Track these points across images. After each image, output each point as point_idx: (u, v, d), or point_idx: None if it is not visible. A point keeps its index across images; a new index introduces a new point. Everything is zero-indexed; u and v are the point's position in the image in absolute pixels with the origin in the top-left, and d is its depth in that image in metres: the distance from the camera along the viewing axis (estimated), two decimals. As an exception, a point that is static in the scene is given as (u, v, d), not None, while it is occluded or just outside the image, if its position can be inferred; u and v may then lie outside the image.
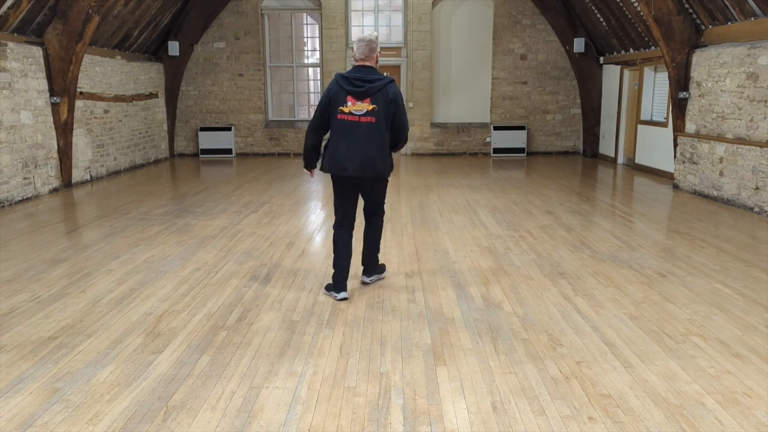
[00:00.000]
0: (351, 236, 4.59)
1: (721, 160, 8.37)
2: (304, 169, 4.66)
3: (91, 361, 3.49)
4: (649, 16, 9.04)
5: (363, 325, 4.03)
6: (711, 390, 3.14)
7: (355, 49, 4.32)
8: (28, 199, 8.74)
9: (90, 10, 9.10)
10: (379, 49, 4.38)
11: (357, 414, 2.92)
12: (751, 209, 7.68)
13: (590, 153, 13.93)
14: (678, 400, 3.04)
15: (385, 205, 4.78)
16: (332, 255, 4.61)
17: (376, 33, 4.39)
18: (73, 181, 9.98)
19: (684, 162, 9.30)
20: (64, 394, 3.11)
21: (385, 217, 7.47)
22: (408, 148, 14.47)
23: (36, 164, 8.98)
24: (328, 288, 4.62)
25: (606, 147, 13.41)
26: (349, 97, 4.23)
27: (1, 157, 8.17)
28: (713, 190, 8.54)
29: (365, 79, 4.23)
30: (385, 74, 4.33)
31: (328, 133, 4.41)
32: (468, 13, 14.05)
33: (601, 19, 12.23)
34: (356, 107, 4.23)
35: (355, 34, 14.28)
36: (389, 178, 4.64)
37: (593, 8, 12.19)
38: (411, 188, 9.59)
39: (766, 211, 7.42)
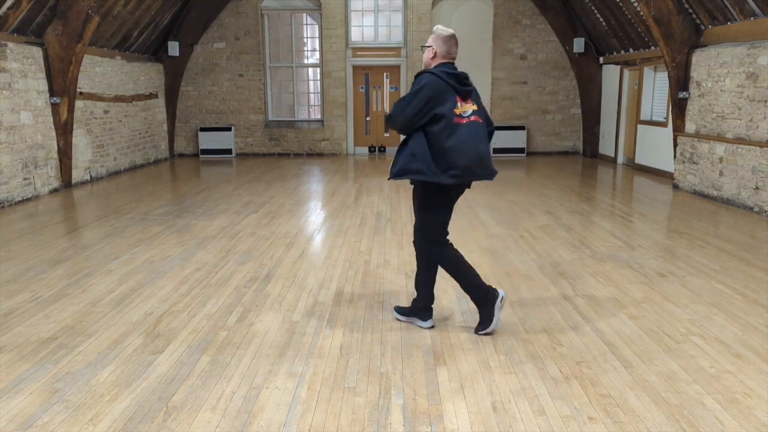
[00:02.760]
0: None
1: (720, 160, 8.37)
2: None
3: (91, 362, 3.49)
4: (649, 16, 9.04)
5: (363, 325, 4.03)
6: (711, 390, 3.14)
7: (442, 45, 3.76)
8: (28, 199, 8.74)
9: (90, 11, 9.10)
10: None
11: (357, 414, 2.92)
12: (751, 209, 7.68)
13: (590, 153, 13.93)
14: (678, 400, 3.04)
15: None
16: (425, 280, 3.97)
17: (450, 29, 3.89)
18: (73, 181, 9.98)
19: (684, 162, 9.30)
20: (64, 395, 3.11)
21: (385, 218, 7.48)
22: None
23: (36, 165, 8.98)
24: (481, 328, 3.88)
25: (606, 147, 13.41)
26: (457, 97, 3.69)
27: (1, 158, 8.17)
28: (713, 190, 8.54)
29: (467, 77, 3.78)
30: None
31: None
32: (468, 13, 14.06)
33: (601, 19, 12.23)
34: (463, 108, 3.69)
35: (355, 34, 14.29)
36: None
37: (593, 8, 12.19)
38: (411, 188, 9.58)
39: (766, 211, 7.42)
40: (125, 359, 3.52)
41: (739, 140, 8.05)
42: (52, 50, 9.12)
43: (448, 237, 3.92)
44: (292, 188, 9.81)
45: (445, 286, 4.84)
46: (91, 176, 10.64)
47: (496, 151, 14.19)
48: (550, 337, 3.83)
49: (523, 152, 14.19)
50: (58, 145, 9.46)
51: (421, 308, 4.00)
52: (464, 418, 2.87)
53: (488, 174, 3.82)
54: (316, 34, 14.54)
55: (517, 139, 14.15)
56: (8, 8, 8.05)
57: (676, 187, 9.48)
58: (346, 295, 4.63)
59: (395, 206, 8.18)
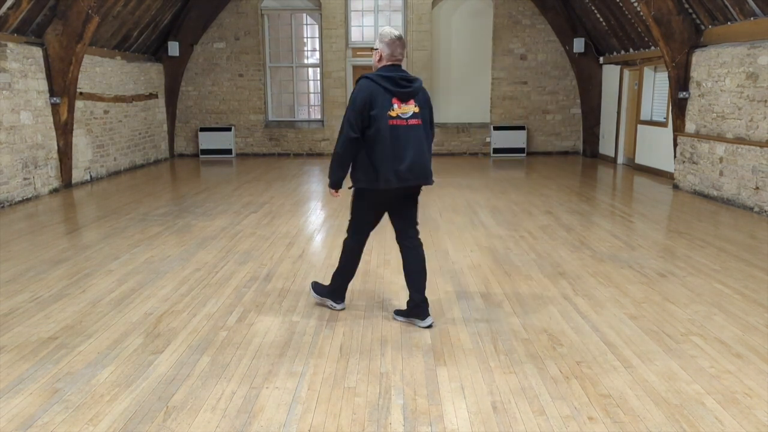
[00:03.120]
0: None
1: (721, 159, 8.37)
2: (330, 189, 4.02)
3: (91, 362, 3.49)
4: (649, 16, 9.04)
5: (363, 325, 4.03)
6: (711, 390, 3.14)
7: (386, 47, 3.81)
8: (28, 199, 8.74)
9: (90, 11, 9.10)
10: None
11: (357, 414, 2.92)
12: (751, 209, 7.68)
13: (590, 153, 13.93)
14: (678, 400, 3.04)
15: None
16: (342, 261, 4.22)
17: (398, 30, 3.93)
18: (73, 181, 9.98)
19: (684, 162, 9.30)
20: (64, 395, 3.11)
21: (385, 219, 7.46)
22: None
23: (36, 165, 8.98)
24: (324, 293, 4.34)
25: (606, 147, 13.41)
26: (394, 99, 3.75)
27: (1, 158, 8.17)
28: (713, 190, 8.54)
29: (407, 78, 3.81)
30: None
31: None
32: (468, 13, 14.06)
33: (601, 19, 12.23)
34: (401, 110, 3.76)
35: (355, 34, 14.29)
36: None
37: (593, 8, 12.19)
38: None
39: (766, 211, 7.42)
40: (125, 359, 3.52)
41: (739, 140, 8.05)
42: (52, 50, 9.12)
43: (366, 236, 4.17)
44: (292, 188, 9.81)
45: (445, 285, 4.84)
46: (91, 176, 10.64)
47: (497, 151, 14.21)
48: (550, 337, 3.83)
49: (523, 152, 14.19)
50: (58, 145, 9.46)
51: (334, 289, 4.27)
52: (464, 418, 2.87)
53: (402, 180, 3.81)
54: (316, 34, 14.54)
55: (517, 139, 14.15)
56: (8, 8, 8.05)
57: (676, 187, 9.48)
58: (346, 295, 4.63)
59: (395, 206, 8.18)
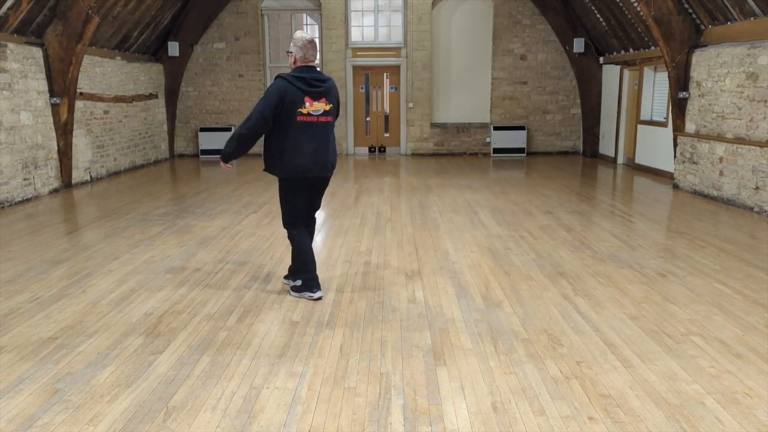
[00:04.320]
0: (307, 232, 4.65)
1: (721, 160, 8.37)
2: (223, 163, 4.41)
3: (92, 362, 3.49)
4: (649, 16, 9.04)
5: (363, 326, 4.03)
6: (711, 390, 3.14)
7: (299, 51, 4.24)
8: (28, 199, 8.74)
9: (90, 11, 9.10)
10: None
11: (357, 414, 2.92)
12: (751, 209, 7.68)
13: (590, 153, 13.93)
14: (678, 400, 3.04)
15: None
16: (294, 254, 4.56)
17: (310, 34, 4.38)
18: (73, 181, 9.98)
19: (684, 162, 9.30)
20: (65, 395, 3.11)
21: (385, 218, 7.47)
22: (408, 148, 14.49)
23: (36, 165, 8.98)
24: (299, 289, 4.55)
25: (606, 147, 13.42)
26: (306, 98, 4.19)
27: (1, 158, 8.17)
28: (713, 190, 8.54)
29: (320, 79, 4.25)
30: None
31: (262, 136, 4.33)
32: (468, 13, 14.06)
33: (601, 19, 12.23)
34: (314, 108, 4.22)
35: (355, 34, 14.30)
36: None
37: (593, 8, 12.19)
38: (411, 188, 9.59)
39: (766, 211, 7.42)
40: (125, 359, 3.52)
41: (739, 140, 8.05)
42: (52, 50, 9.12)
43: (301, 222, 4.49)
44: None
45: (445, 285, 4.84)
46: (91, 176, 10.64)
47: (497, 151, 14.21)
48: (550, 337, 3.83)
49: (523, 152, 14.19)
50: (58, 145, 9.46)
51: (306, 281, 4.50)
52: (464, 418, 2.87)
53: (306, 171, 4.27)
54: (316, 35, 14.54)
55: (517, 139, 14.16)
56: (8, 8, 8.05)
57: (676, 187, 9.48)
58: (346, 295, 4.63)
59: (395, 206, 8.18)
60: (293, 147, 4.22)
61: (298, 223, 4.49)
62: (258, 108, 4.17)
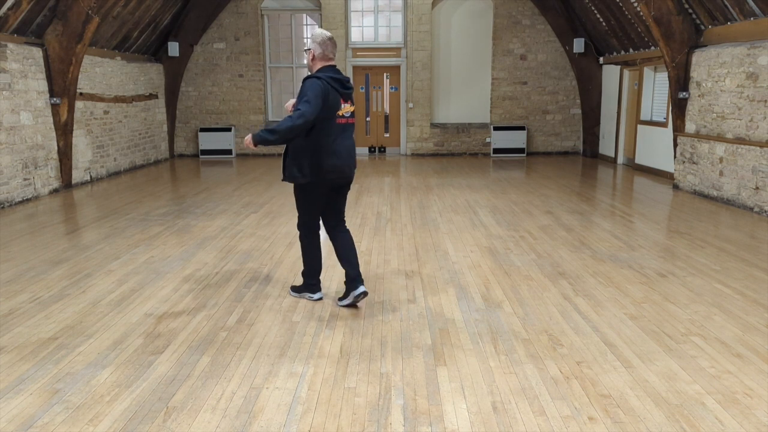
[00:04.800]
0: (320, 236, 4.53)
1: (721, 160, 8.37)
2: (253, 142, 4.01)
3: (92, 362, 3.49)
4: (649, 16, 9.04)
5: (363, 326, 4.03)
6: (711, 390, 3.14)
7: (318, 47, 4.06)
8: (28, 200, 8.74)
9: (90, 11, 9.10)
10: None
11: (357, 414, 2.92)
12: (751, 209, 7.68)
13: (590, 153, 13.93)
14: (678, 400, 3.04)
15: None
16: (306, 259, 4.48)
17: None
18: (73, 182, 9.98)
19: (684, 162, 9.30)
20: (65, 395, 3.11)
21: (385, 218, 7.48)
22: (408, 148, 14.49)
23: (36, 165, 8.98)
24: (300, 289, 4.57)
25: (606, 147, 13.42)
26: (341, 100, 4.09)
27: (1, 158, 8.17)
28: (713, 190, 8.54)
29: (348, 80, 4.17)
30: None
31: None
32: (468, 13, 14.06)
33: (601, 20, 12.23)
34: (345, 110, 4.13)
35: (355, 34, 14.30)
36: None
37: (593, 8, 12.19)
38: (411, 188, 9.59)
39: (766, 211, 7.42)
40: (125, 360, 3.52)
41: (739, 140, 8.05)
42: (52, 51, 9.12)
43: (317, 226, 4.40)
44: (292, 189, 9.79)
45: (445, 285, 4.84)
46: (91, 177, 10.64)
47: (497, 151, 14.21)
48: (550, 337, 3.83)
49: (523, 152, 14.19)
50: (58, 145, 9.46)
51: (307, 282, 4.49)
52: (464, 419, 2.87)
53: (342, 175, 4.20)
54: (316, 35, 14.52)
55: (517, 139, 14.16)
56: (8, 9, 8.05)
57: (676, 187, 9.48)
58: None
59: (395, 207, 8.18)
60: (332, 150, 4.06)
61: (315, 228, 4.41)
62: (309, 109, 3.89)
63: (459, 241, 6.28)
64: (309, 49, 4.13)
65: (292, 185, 4.37)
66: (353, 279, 4.29)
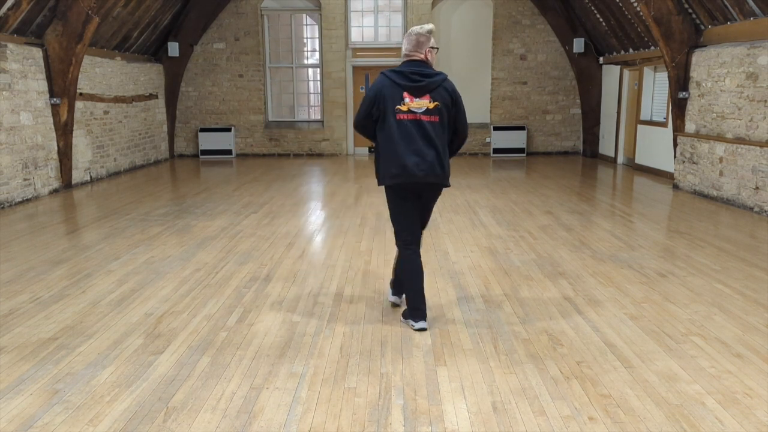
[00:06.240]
0: (420, 256, 4.03)
1: (720, 160, 8.37)
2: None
3: (92, 362, 3.49)
4: (649, 16, 9.04)
5: (363, 326, 4.03)
6: (711, 390, 3.14)
7: (406, 43, 3.84)
8: (28, 200, 8.74)
9: (90, 11, 9.10)
10: (431, 44, 3.83)
11: (357, 414, 2.92)
12: (751, 209, 7.68)
13: (590, 153, 13.93)
14: (678, 400, 3.04)
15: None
16: (396, 272, 4.15)
17: (431, 25, 3.85)
18: (73, 182, 9.98)
19: (684, 162, 9.30)
20: (65, 395, 3.11)
21: (385, 219, 7.46)
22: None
23: (36, 165, 8.98)
24: (405, 315, 4.05)
25: (606, 147, 13.42)
26: (405, 93, 3.73)
27: (1, 159, 8.17)
28: (713, 190, 8.54)
29: (422, 73, 3.75)
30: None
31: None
32: (468, 13, 14.06)
33: (601, 20, 12.23)
34: (415, 104, 3.73)
35: (355, 34, 14.30)
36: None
37: (593, 8, 12.19)
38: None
39: (766, 211, 7.42)
40: (125, 360, 3.52)
41: (739, 140, 8.05)
42: (52, 51, 9.12)
43: (411, 240, 3.95)
44: (292, 189, 9.81)
45: (445, 285, 4.84)
46: (91, 177, 10.64)
47: (497, 151, 14.21)
48: (550, 337, 3.83)
49: (523, 152, 14.19)
50: (58, 145, 9.46)
51: (410, 308, 4.01)
52: (464, 419, 2.87)
53: (409, 177, 3.75)
54: (316, 35, 14.54)
55: (517, 139, 14.15)
56: (8, 9, 8.05)
57: (676, 187, 9.48)
58: (346, 296, 4.63)
59: (395, 206, 8.17)
60: (393, 148, 3.75)
61: (408, 240, 3.94)
62: (359, 113, 3.86)
63: (459, 241, 6.28)
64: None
65: None
66: (410, 309, 3.99)
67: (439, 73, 3.80)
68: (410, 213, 3.92)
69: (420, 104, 3.74)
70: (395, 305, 4.34)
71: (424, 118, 3.74)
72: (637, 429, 2.78)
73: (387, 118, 3.75)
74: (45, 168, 9.21)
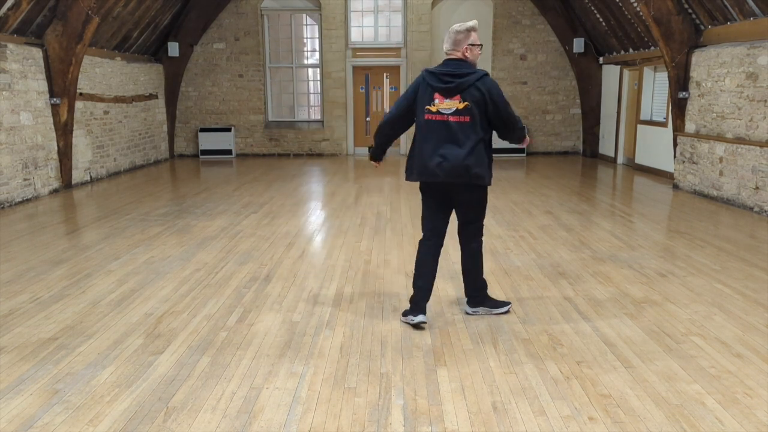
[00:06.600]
0: (437, 253, 4.09)
1: (720, 159, 8.37)
2: (371, 161, 4.26)
3: (92, 362, 3.49)
4: (649, 16, 9.04)
5: (363, 326, 4.03)
6: (711, 390, 3.14)
7: (445, 41, 3.87)
8: (28, 200, 8.74)
9: (90, 11, 9.10)
10: (471, 41, 3.81)
11: (357, 414, 2.92)
12: (751, 209, 7.68)
13: (590, 153, 13.93)
14: (678, 400, 3.04)
15: (483, 227, 4.18)
16: (412, 272, 4.13)
17: (472, 22, 3.85)
18: (73, 182, 9.98)
19: (684, 162, 9.30)
20: (65, 395, 3.11)
21: (385, 219, 7.46)
22: (408, 148, 14.47)
23: (36, 165, 8.98)
24: (405, 313, 4.08)
25: (606, 147, 13.42)
26: (436, 95, 3.76)
27: (1, 159, 8.17)
28: (713, 190, 8.54)
29: (454, 73, 3.75)
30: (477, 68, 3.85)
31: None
32: (468, 13, 14.05)
33: (601, 20, 12.23)
34: (444, 105, 3.74)
35: (355, 34, 14.30)
36: (487, 190, 4.05)
37: (593, 8, 12.19)
38: (411, 188, 9.58)
39: (766, 211, 7.42)
40: (125, 360, 3.52)
41: (739, 140, 8.05)
42: (52, 51, 9.12)
43: (429, 235, 4.12)
44: (292, 189, 9.81)
45: (445, 285, 4.84)
46: (91, 177, 10.64)
47: (497, 151, 14.16)
48: (550, 337, 3.83)
49: (523, 152, 14.19)
50: (58, 145, 9.46)
51: (410, 300, 4.10)
52: (464, 419, 2.87)
53: (430, 175, 3.85)
54: (316, 35, 14.54)
55: (517, 139, 14.13)
56: (8, 9, 8.05)
57: (676, 187, 9.48)
58: (346, 296, 4.63)
59: (395, 207, 8.18)
60: (420, 147, 3.85)
61: (428, 234, 4.08)
62: (390, 112, 3.98)
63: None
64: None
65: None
66: (415, 300, 4.02)
67: (474, 72, 3.77)
68: (434, 209, 4.05)
69: (449, 105, 3.76)
70: (423, 323, 4.00)
71: (452, 118, 3.75)
72: (637, 429, 2.78)
73: (418, 117, 3.88)
74: (45, 168, 9.21)
